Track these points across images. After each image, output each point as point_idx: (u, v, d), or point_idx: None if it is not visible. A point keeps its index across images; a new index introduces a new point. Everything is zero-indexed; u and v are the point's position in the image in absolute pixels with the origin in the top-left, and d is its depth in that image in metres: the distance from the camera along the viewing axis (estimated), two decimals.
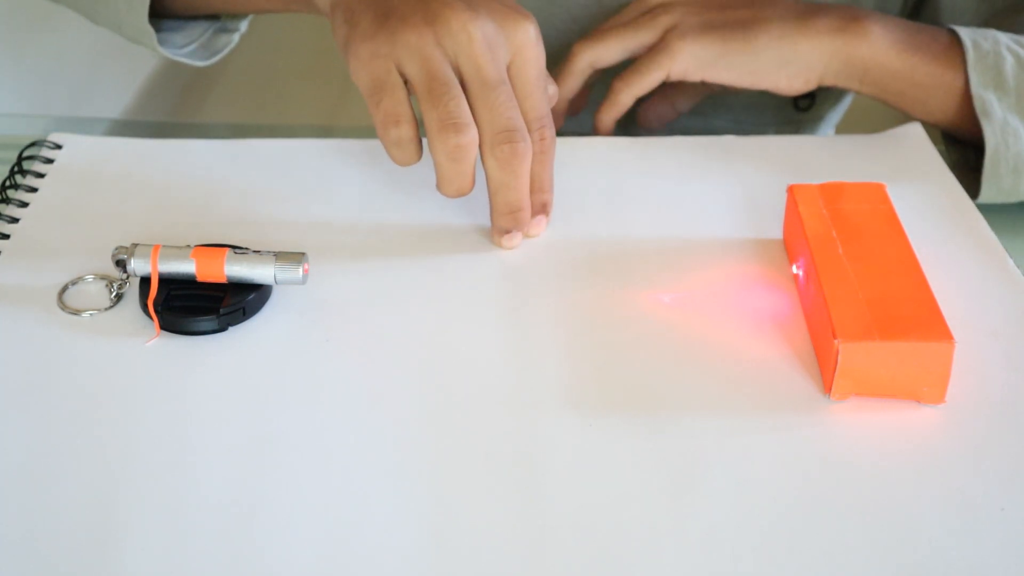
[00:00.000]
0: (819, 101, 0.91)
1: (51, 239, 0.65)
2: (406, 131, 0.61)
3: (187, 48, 0.80)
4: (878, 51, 0.73)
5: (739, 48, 0.74)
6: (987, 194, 0.71)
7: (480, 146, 0.62)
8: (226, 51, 0.82)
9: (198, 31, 0.80)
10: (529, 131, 0.63)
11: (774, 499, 0.49)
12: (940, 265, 0.62)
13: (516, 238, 0.64)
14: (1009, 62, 0.72)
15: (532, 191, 0.64)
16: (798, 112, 0.92)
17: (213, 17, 0.82)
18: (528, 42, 0.63)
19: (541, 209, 0.65)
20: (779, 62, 0.74)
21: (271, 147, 0.75)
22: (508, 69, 0.63)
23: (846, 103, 0.97)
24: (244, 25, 0.83)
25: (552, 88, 0.67)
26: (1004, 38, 0.74)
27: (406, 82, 0.62)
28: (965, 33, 0.73)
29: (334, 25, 0.66)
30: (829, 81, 0.75)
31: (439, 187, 0.63)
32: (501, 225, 0.64)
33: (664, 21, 0.75)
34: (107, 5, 0.76)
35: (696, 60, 0.74)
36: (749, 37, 0.74)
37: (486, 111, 0.61)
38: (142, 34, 0.76)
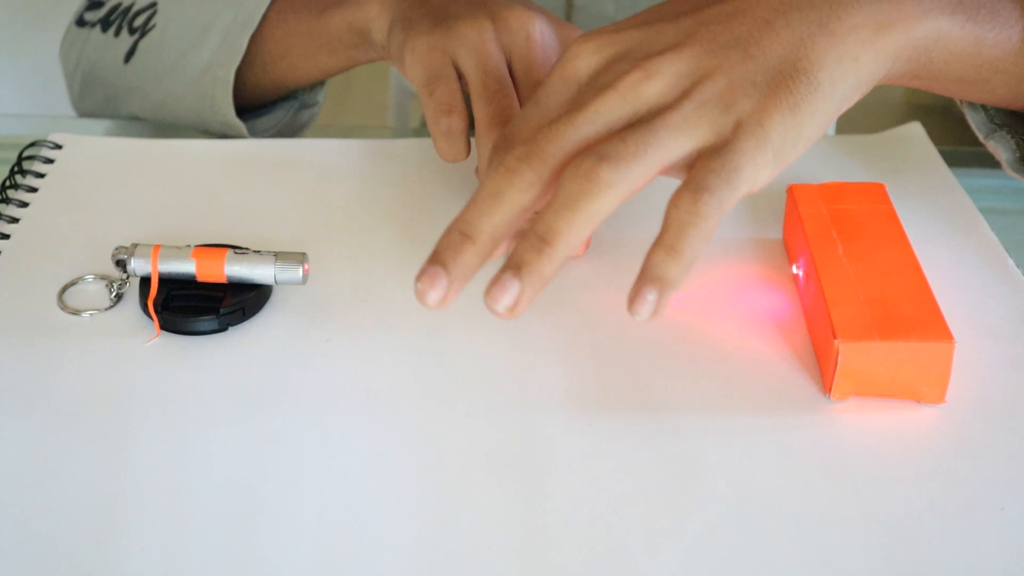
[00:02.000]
0: None
1: (51, 239, 0.65)
2: (457, 122, 0.61)
3: (273, 130, 0.81)
4: (940, 33, 0.53)
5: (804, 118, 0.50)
6: None
7: None
8: (309, 124, 0.83)
9: (280, 114, 0.81)
10: None
11: (774, 499, 0.49)
12: (940, 265, 0.62)
13: None
14: None
15: None
16: None
17: (291, 96, 0.82)
18: None
19: None
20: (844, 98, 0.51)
21: (271, 147, 0.75)
22: None
23: None
24: (322, 96, 0.84)
25: None
26: None
27: (460, 76, 0.62)
28: None
29: (391, 39, 0.66)
30: (886, 82, 0.54)
31: (481, 171, 0.63)
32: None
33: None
34: (190, 114, 0.78)
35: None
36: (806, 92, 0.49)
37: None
38: (231, 128, 0.77)
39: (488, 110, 0.61)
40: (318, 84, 0.82)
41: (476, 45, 0.62)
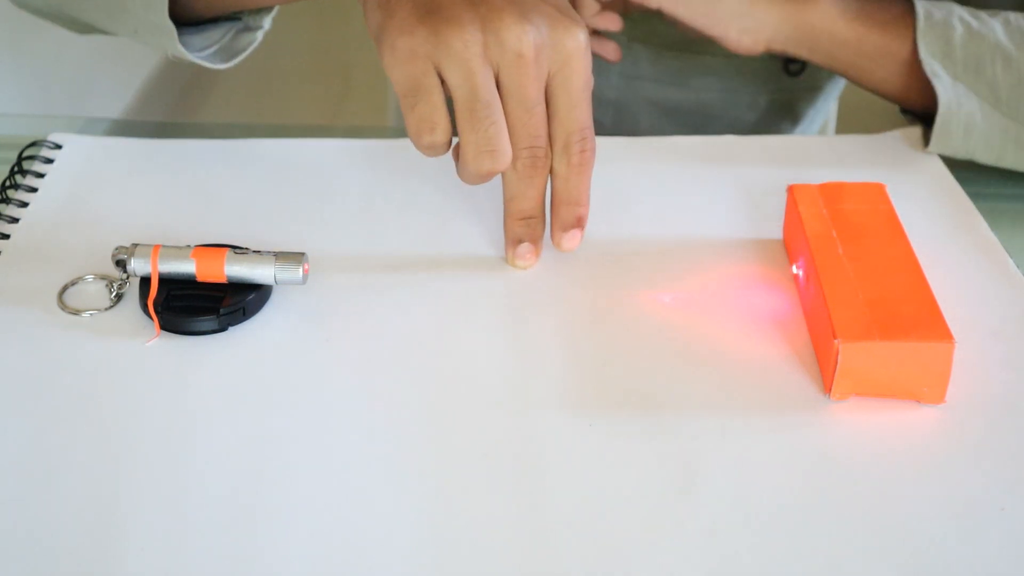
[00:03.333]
0: (811, 67, 0.92)
1: (51, 239, 0.65)
2: (440, 137, 0.59)
3: (208, 50, 0.76)
4: (827, 19, 0.76)
5: None
6: (934, 148, 0.74)
7: None
8: (248, 51, 0.78)
9: (219, 33, 0.77)
10: (569, 143, 0.61)
11: (774, 499, 0.49)
12: (940, 265, 0.62)
13: (529, 258, 0.63)
14: (958, 32, 0.74)
15: (568, 203, 0.62)
16: (789, 77, 0.92)
17: (234, 17, 0.78)
18: (577, 51, 0.60)
19: (576, 223, 0.63)
20: (735, 13, 0.76)
21: (271, 147, 0.75)
22: (554, 78, 0.60)
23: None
24: (268, 22, 0.79)
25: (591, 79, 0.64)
26: (959, 10, 0.76)
27: (443, 82, 0.59)
28: (920, 4, 0.75)
29: (367, 9, 0.62)
30: (779, 46, 0.77)
31: (461, 178, 0.61)
32: (514, 232, 0.63)
33: None
34: (122, 9, 0.73)
35: None
36: None
37: (516, 128, 0.60)
38: (161, 33, 0.71)
39: (474, 137, 0.58)
40: (268, 8, 0.77)
41: (463, 58, 0.57)
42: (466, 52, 0.57)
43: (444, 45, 0.57)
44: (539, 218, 0.63)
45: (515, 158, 0.60)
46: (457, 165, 0.61)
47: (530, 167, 0.61)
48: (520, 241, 0.63)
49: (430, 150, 0.60)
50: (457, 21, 0.58)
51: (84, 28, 0.80)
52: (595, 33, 0.80)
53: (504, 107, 0.59)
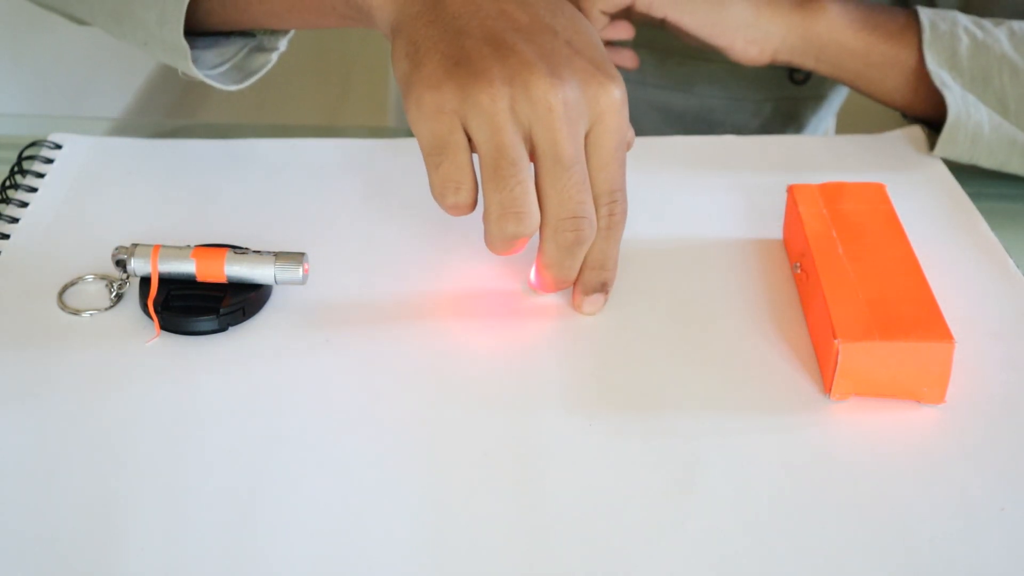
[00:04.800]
0: (816, 75, 0.92)
1: (51, 239, 0.65)
2: (464, 197, 0.56)
3: (220, 68, 0.73)
4: (834, 29, 0.75)
5: None
6: (938, 153, 0.74)
7: (541, 225, 0.57)
8: (262, 72, 0.75)
9: (233, 49, 0.73)
10: (599, 205, 0.57)
11: (774, 499, 0.49)
12: (940, 265, 0.62)
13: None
14: (964, 43, 0.74)
15: (593, 268, 0.59)
16: (795, 85, 0.92)
17: (249, 34, 0.75)
18: (612, 108, 0.57)
19: (600, 288, 0.60)
20: (741, 23, 0.75)
21: (271, 147, 0.75)
22: (586, 137, 0.57)
23: None
24: (284, 44, 0.75)
25: (630, 134, 0.61)
26: (964, 20, 0.76)
27: (469, 139, 0.56)
28: (925, 14, 0.76)
29: (394, 54, 0.60)
30: (784, 56, 0.76)
31: (488, 245, 0.57)
32: (544, 288, 0.61)
33: None
34: (133, 20, 0.70)
35: None
36: None
37: (555, 193, 0.56)
38: (174, 51, 0.69)
39: (498, 197, 0.55)
40: (285, 30, 0.75)
41: (489, 114, 0.54)
42: (493, 107, 0.54)
43: (471, 100, 0.55)
44: (572, 281, 0.60)
45: (557, 228, 0.56)
46: (486, 241, 0.58)
47: (574, 243, 0.57)
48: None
49: (454, 210, 0.57)
50: (486, 76, 0.55)
51: (83, 22, 0.79)
52: (608, 44, 0.80)
53: (538, 168, 0.56)
